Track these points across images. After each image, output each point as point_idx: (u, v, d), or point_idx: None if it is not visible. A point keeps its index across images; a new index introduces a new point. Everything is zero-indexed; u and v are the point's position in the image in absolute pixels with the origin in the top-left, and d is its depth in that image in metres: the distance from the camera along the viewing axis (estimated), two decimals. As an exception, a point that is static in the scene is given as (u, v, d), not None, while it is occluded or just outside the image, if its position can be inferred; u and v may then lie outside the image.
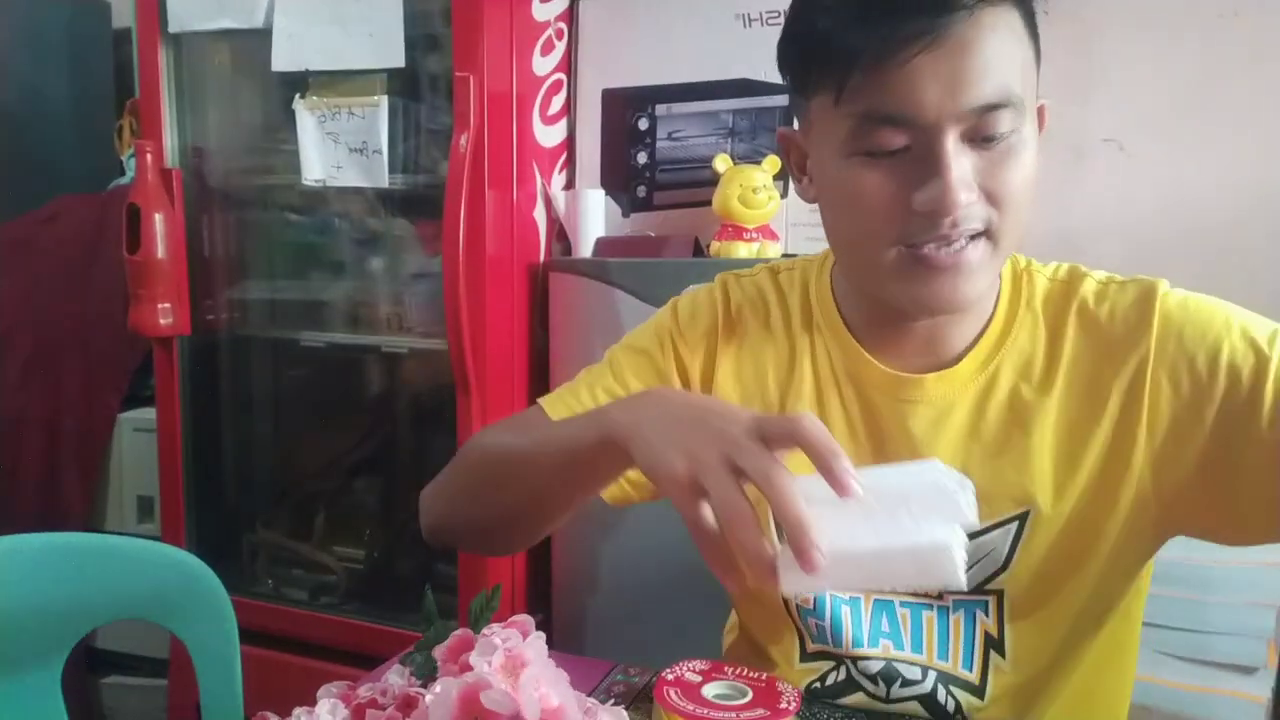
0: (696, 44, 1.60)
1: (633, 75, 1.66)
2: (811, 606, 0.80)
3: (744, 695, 0.74)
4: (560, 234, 1.70)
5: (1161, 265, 1.71)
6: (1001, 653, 0.76)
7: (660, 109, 1.65)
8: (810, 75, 0.68)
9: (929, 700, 0.78)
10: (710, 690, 0.75)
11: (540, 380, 1.65)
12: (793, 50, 0.71)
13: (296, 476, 1.93)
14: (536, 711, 0.49)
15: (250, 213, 1.86)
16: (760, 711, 0.71)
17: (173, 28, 1.68)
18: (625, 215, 1.69)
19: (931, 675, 0.78)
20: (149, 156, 1.67)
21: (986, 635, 0.76)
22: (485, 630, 0.56)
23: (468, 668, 0.52)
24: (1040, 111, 0.73)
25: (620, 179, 1.69)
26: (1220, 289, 1.85)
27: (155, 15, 1.68)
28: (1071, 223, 1.82)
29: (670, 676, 0.77)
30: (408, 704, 0.57)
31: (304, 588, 1.82)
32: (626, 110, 1.67)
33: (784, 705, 0.72)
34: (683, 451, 0.56)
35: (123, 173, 2.16)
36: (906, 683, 0.78)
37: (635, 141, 1.67)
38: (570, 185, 1.73)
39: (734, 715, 0.71)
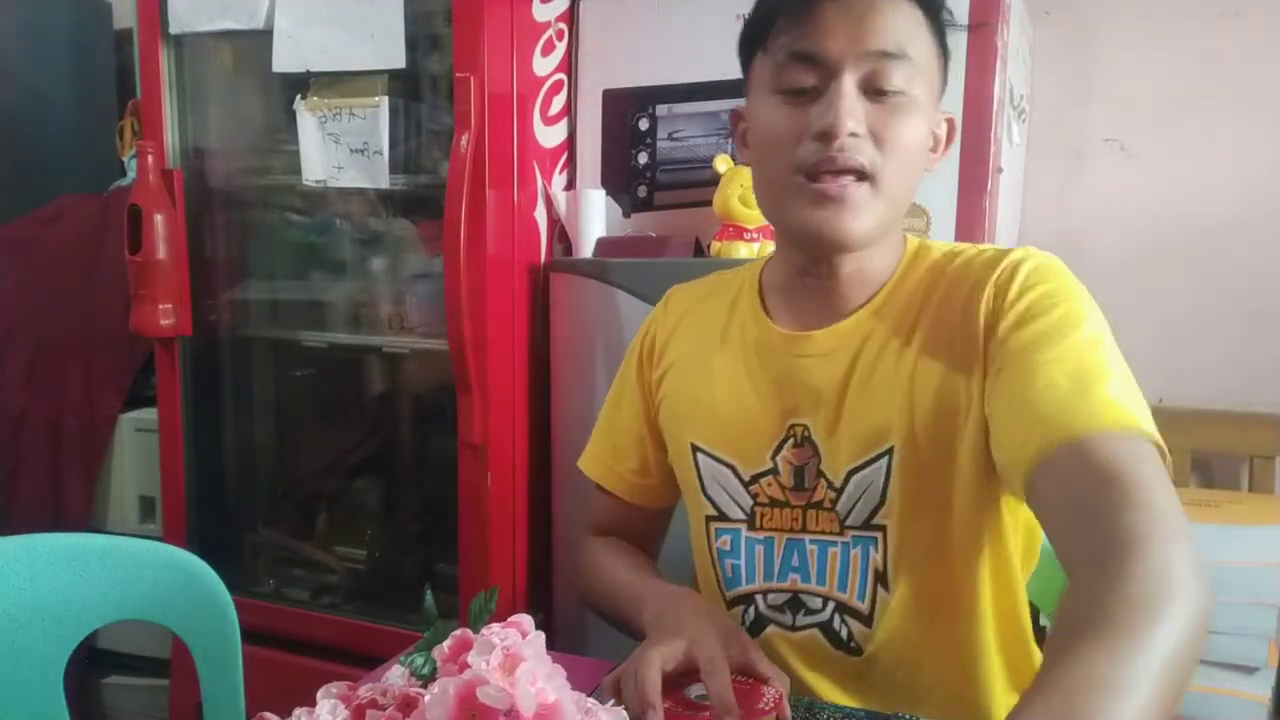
0: (697, 44, 1.60)
1: (633, 76, 1.66)
2: (729, 548, 0.91)
3: None
4: (561, 234, 1.70)
5: (1162, 264, 1.73)
6: (886, 586, 0.84)
7: (661, 109, 1.65)
8: (752, 39, 0.84)
9: (826, 627, 0.88)
10: (695, 690, 0.75)
11: (541, 380, 1.65)
12: (744, 30, 0.86)
13: (298, 477, 1.93)
14: (533, 706, 0.49)
15: (252, 213, 1.86)
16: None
17: (174, 29, 1.68)
18: (626, 215, 1.69)
19: (830, 605, 0.87)
20: (150, 157, 1.67)
21: (875, 570, 0.85)
22: (484, 629, 0.56)
23: (467, 667, 0.52)
24: (950, 124, 0.86)
25: (621, 179, 1.69)
26: (1220, 287, 1.86)
27: (156, 16, 1.68)
28: (1072, 222, 1.82)
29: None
30: (408, 704, 0.57)
31: (305, 588, 1.82)
32: (627, 110, 1.67)
33: (761, 706, 0.73)
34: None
35: (124, 173, 2.17)
36: (809, 612, 0.88)
37: (636, 142, 1.67)
38: (571, 185, 1.73)
39: (708, 715, 0.71)
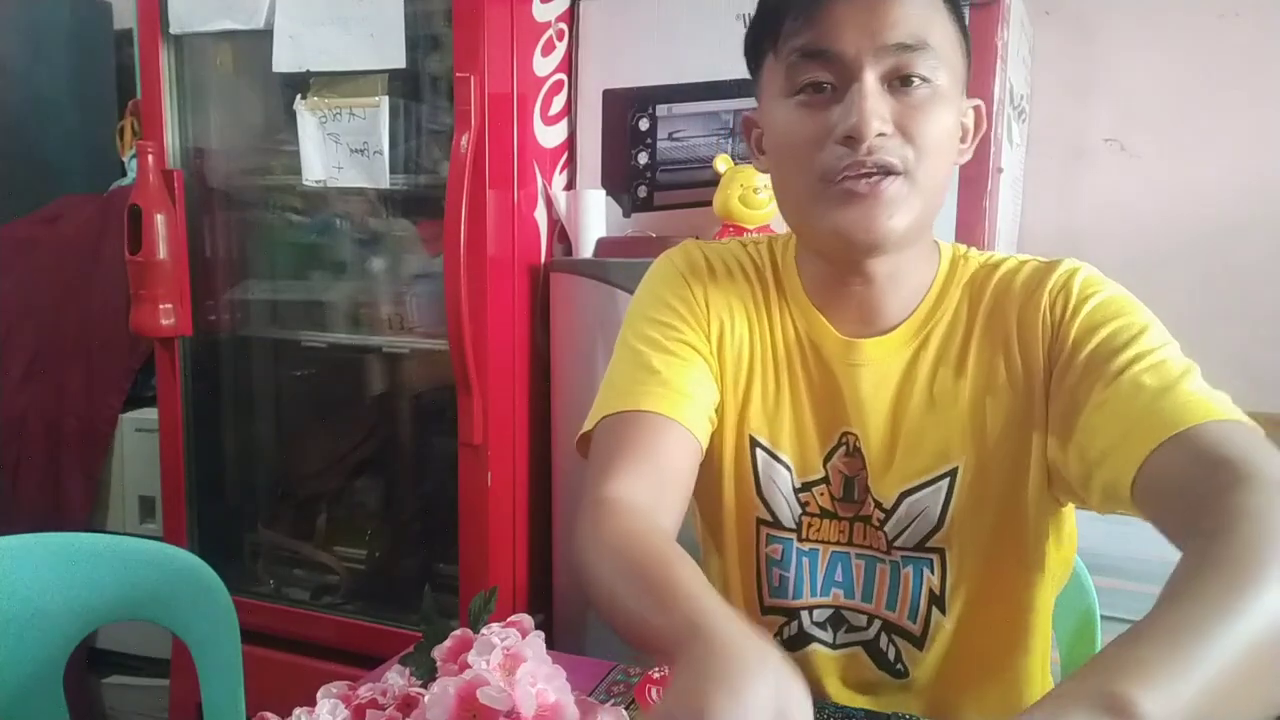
0: (697, 44, 1.60)
1: (633, 75, 1.66)
2: (779, 558, 0.86)
3: None
4: (561, 234, 1.70)
5: (1163, 265, 1.73)
6: (943, 609, 0.82)
7: (661, 109, 1.65)
8: (760, 42, 0.78)
9: (871, 646, 0.84)
10: None
11: (541, 380, 1.65)
12: (749, 34, 0.80)
13: (298, 476, 1.93)
14: (533, 706, 0.49)
15: (252, 213, 1.86)
16: None
17: (174, 29, 1.68)
18: (626, 215, 1.69)
19: (876, 623, 0.84)
20: (150, 157, 1.67)
21: (930, 591, 0.82)
22: (484, 630, 0.56)
23: (467, 667, 0.52)
24: (978, 112, 0.81)
25: (621, 179, 1.69)
26: (1221, 287, 1.86)
27: (156, 16, 1.68)
28: (1073, 222, 1.82)
29: (656, 674, 0.77)
30: (407, 704, 0.57)
31: (305, 588, 1.82)
32: (627, 110, 1.67)
33: None
34: None
35: (124, 173, 2.17)
36: (852, 629, 0.85)
37: (636, 142, 1.67)
38: (571, 185, 1.73)
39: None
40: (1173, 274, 1.72)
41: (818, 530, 0.85)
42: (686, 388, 0.80)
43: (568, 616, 1.65)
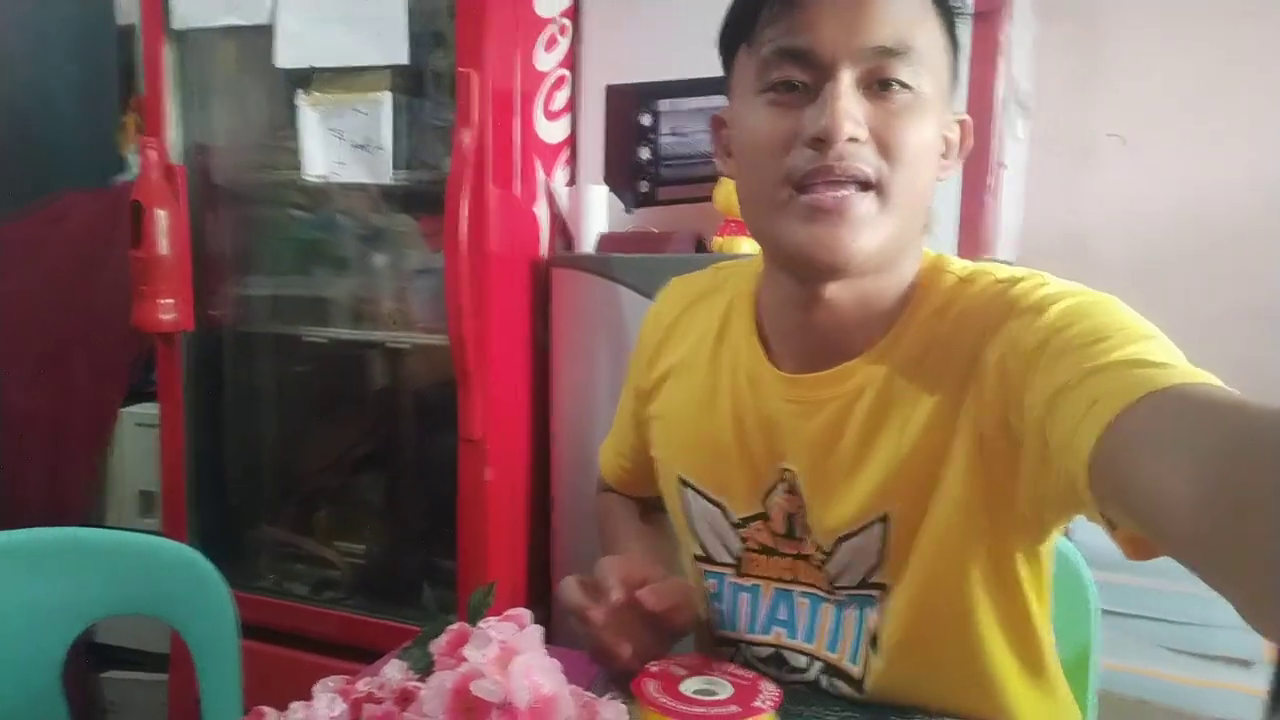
0: (700, 40, 1.59)
1: (636, 71, 1.66)
2: (715, 591, 0.85)
3: (723, 691, 0.74)
4: (563, 230, 1.70)
5: (1169, 263, 1.72)
6: (875, 648, 0.77)
7: (664, 104, 1.64)
8: (734, 32, 0.73)
9: (813, 687, 0.81)
10: (690, 685, 0.75)
11: (542, 376, 1.65)
12: (724, 23, 0.75)
13: (299, 472, 1.93)
14: (527, 698, 0.49)
15: (254, 209, 1.86)
16: (732, 709, 0.71)
17: (176, 24, 1.67)
18: (628, 211, 1.68)
19: (817, 665, 0.80)
20: (153, 153, 1.67)
21: (869, 631, 0.77)
22: (481, 623, 0.56)
23: (464, 661, 0.52)
24: (964, 127, 0.76)
25: (623, 175, 1.68)
26: (1230, 287, 1.85)
27: (159, 12, 1.68)
28: (1077, 220, 1.81)
29: (654, 669, 0.76)
30: (405, 698, 0.57)
31: (306, 582, 1.82)
32: (630, 106, 1.67)
33: (759, 704, 0.72)
34: None
35: (126, 169, 2.17)
36: (792, 670, 0.81)
37: (638, 137, 1.66)
38: (573, 181, 1.73)
39: (704, 710, 0.70)
40: (1180, 273, 1.71)
41: (760, 566, 0.82)
42: (627, 455, 0.97)
43: (568, 612, 1.65)
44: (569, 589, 0.78)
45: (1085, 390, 0.58)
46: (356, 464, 1.87)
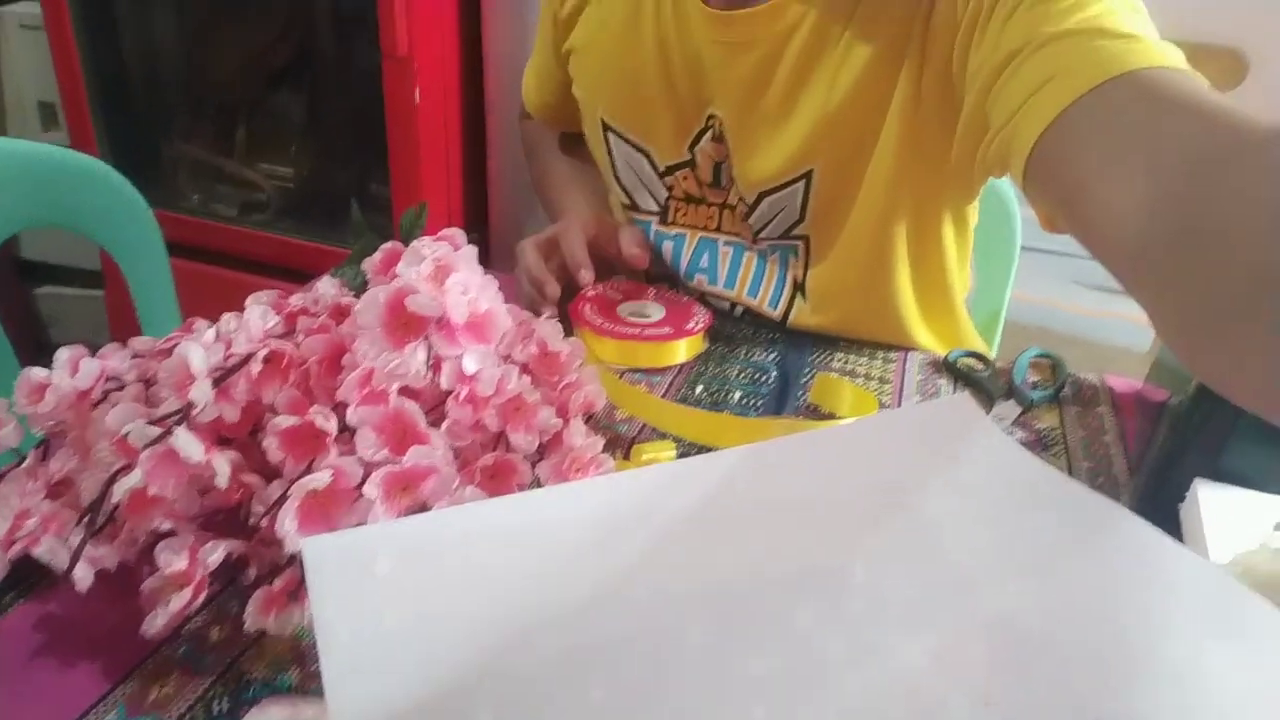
0: None
1: None
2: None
3: (656, 314, 0.77)
4: None
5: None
6: (804, 295, 0.80)
7: None
8: None
9: None
10: (626, 309, 0.77)
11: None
12: None
13: (209, 82, 1.80)
14: (464, 314, 0.49)
15: None
16: (665, 330, 0.74)
17: None
18: None
19: (738, 310, 0.83)
20: None
21: (794, 279, 0.80)
22: (415, 243, 0.54)
23: (397, 278, 0.51)
24: None
25: None
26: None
27: None
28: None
29: (591, 293, 0.78)
30: (339, 313, 0.57)
31: (232, 204, 1.78)
32: None
33: (690, 326, 0.75)
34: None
35: None
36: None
37: None
38: None
39: (638, 330, 0.73)
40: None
41: (685, 215, 0.83)
42: (542, 86, 0.93)
43: (504, 238, 1.66)
44: (528, 254, 0.77)
45: (1038, 64, 0.53)
46: (272, 78, 1.74)
